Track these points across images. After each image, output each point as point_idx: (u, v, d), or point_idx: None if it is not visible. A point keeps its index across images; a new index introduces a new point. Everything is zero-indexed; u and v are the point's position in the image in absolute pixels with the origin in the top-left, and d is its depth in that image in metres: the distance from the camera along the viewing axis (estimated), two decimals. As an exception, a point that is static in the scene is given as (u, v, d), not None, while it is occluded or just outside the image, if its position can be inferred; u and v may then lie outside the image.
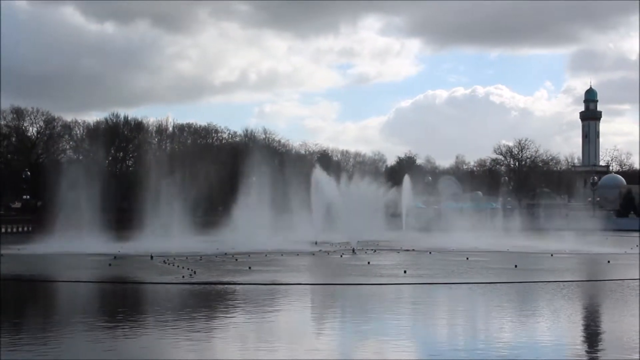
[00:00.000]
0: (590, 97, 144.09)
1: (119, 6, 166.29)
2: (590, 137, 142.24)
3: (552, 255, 41.96)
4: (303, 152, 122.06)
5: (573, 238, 56.15)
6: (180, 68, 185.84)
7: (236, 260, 36.64)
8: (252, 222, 55.66)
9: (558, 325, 18.81)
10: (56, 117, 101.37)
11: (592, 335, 17.89)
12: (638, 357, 14.04)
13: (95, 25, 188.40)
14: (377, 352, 15.59)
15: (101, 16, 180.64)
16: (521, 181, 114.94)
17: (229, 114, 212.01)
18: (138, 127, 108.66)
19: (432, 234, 64.78)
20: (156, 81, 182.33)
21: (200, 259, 36.95)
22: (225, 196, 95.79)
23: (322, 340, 16.85)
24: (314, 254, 41.36)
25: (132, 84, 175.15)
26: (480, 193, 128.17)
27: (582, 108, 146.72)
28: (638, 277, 28.50)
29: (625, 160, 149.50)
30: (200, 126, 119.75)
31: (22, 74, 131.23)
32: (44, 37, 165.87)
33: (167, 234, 56.99)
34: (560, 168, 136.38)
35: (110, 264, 34.33)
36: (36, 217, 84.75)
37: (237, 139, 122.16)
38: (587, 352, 15.82)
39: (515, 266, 33.86)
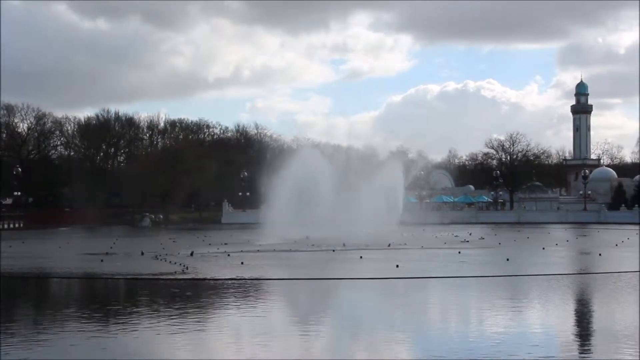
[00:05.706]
0: (581, 90, 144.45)
1: (111, 3, 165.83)
2: (581, 130, 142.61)
3: (543, 248, 41.98)
4: (295, 147, 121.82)
5: (565, 232, 56.22)
6: (172, 64, 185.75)
7: (228, 255, 36.55)
8: (245, 217, 55.52)
9: None
10: (47, 113, 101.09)
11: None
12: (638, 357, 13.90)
13: (88, 22, 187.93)
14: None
15: (93, 13, 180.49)
16: (513, 175, 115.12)
17: (221, 110, 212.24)
18: (129, 123, 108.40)
19: (425, 228, 64.74)
20: (148, 77, 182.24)
21: (192, 255, 36.82)
22: (217, 191, 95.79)
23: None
24: (305, 249, 41.27)
25: (125, 80, 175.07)
26: (472, 187, 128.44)
27: (572, 102, 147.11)
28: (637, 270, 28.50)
29: (616, 153, 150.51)
30: (191, 122, 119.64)
31: (14, 70, 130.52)
32: (36, 34, 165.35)
33: (160, 230, 56.83)
34: (552, 162, 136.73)
35: (102, 260, 34.15)
36: (27, 213, 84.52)
37: (229, 134, 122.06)
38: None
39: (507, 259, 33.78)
